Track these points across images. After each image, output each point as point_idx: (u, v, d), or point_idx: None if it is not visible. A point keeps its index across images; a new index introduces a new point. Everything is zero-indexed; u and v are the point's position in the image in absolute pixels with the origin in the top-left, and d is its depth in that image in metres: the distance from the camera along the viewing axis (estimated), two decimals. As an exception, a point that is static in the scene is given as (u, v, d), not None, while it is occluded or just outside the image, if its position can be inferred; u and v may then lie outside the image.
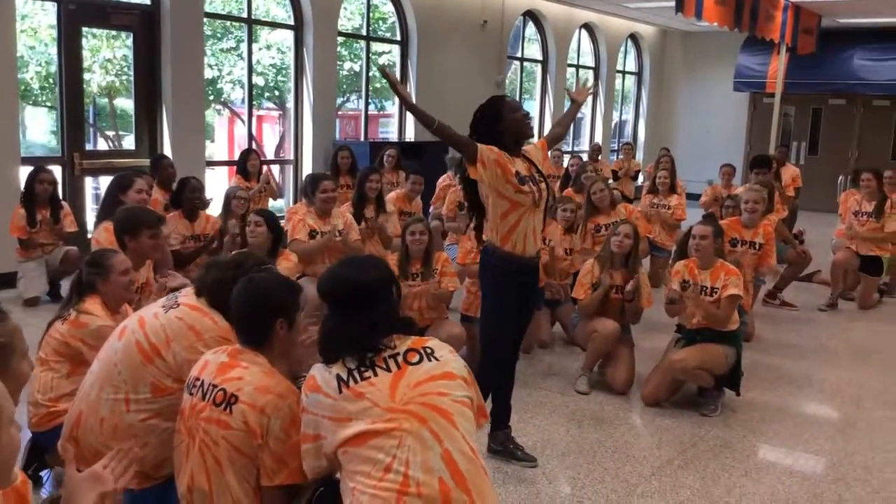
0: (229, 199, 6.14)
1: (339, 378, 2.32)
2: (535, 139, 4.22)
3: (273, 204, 8.72)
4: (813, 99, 15.35)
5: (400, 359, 2.35)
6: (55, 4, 7.61)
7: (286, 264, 4.89)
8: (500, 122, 3.74)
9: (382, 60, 12.09)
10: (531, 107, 14.39)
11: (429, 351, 2.40)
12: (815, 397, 5.27)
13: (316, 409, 2.34)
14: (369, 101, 11.40)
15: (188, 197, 5.96)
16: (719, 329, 4.71)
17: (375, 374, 2.31)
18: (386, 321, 2.41)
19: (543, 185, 3.82)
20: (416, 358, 2.37)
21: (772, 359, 5.92)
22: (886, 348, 6.53)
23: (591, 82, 6.54)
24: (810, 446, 4.38)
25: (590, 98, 15.63)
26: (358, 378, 2.31)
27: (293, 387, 2.53)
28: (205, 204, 6.47)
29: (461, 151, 3.74)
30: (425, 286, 5.01)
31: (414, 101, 3.91)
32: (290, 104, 10.03)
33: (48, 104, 9.36)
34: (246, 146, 9.25)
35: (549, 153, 12.28)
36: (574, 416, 4.66)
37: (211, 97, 11.74)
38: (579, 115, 15.58)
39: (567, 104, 4.44)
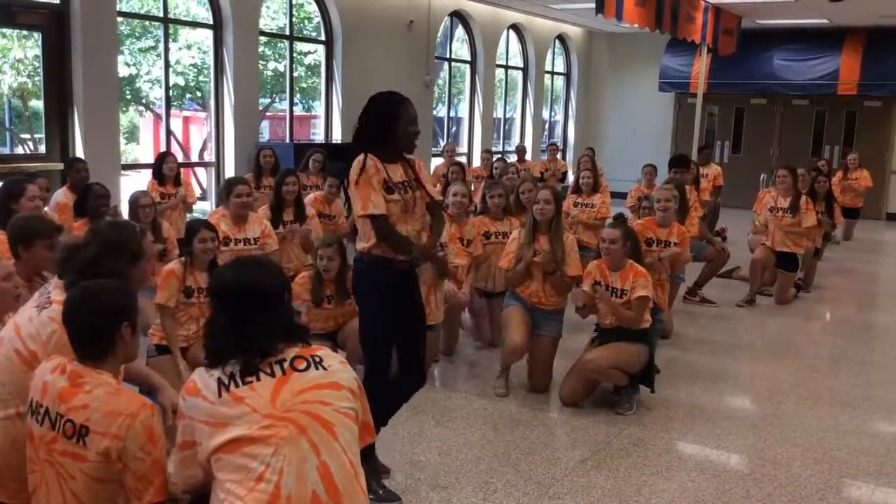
0: (134, 209, 5.74)
1: (219, 381, 2.22)
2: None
3: (194, 208, 8.53)
4: (735, 99, 15.69)
5: (286, 364, 2.25)
6: (-44, 3, 7.29)
7: None
8: (394, 126, 3.64)
9: (308, 61, 11.94)
10: (462, 108, 14.40)
11: (317, 359, 2.30)
12: (730, 393, 5.33)
13: (193, 413, 2.23)
14: (296, 101, 11.23)
15: (93, 204, 5.70)
16: (631, 328, 4.73)
17: (258, 380, 2.21)
18: (279, 324, 2.31)
19: (419, 193, 3.71)
20: (303, 365, 2.27)
21: (690, 355, 5.99)
22: (802, 343, 6.67)
23: None
24: (722, 442, 4.42)
25: (519, 98, 15.83)
26: (239, 382, 2.21)
27: (144, 400, 2.40)
28: (115, 213, 6.22)
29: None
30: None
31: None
32: (211, 105, 9.81)
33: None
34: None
35: (479, 154, 12.38)
36: (490, 418, 4.63)
37: (129, 97, 11.42)
38: (510, 115, 15.71)
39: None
